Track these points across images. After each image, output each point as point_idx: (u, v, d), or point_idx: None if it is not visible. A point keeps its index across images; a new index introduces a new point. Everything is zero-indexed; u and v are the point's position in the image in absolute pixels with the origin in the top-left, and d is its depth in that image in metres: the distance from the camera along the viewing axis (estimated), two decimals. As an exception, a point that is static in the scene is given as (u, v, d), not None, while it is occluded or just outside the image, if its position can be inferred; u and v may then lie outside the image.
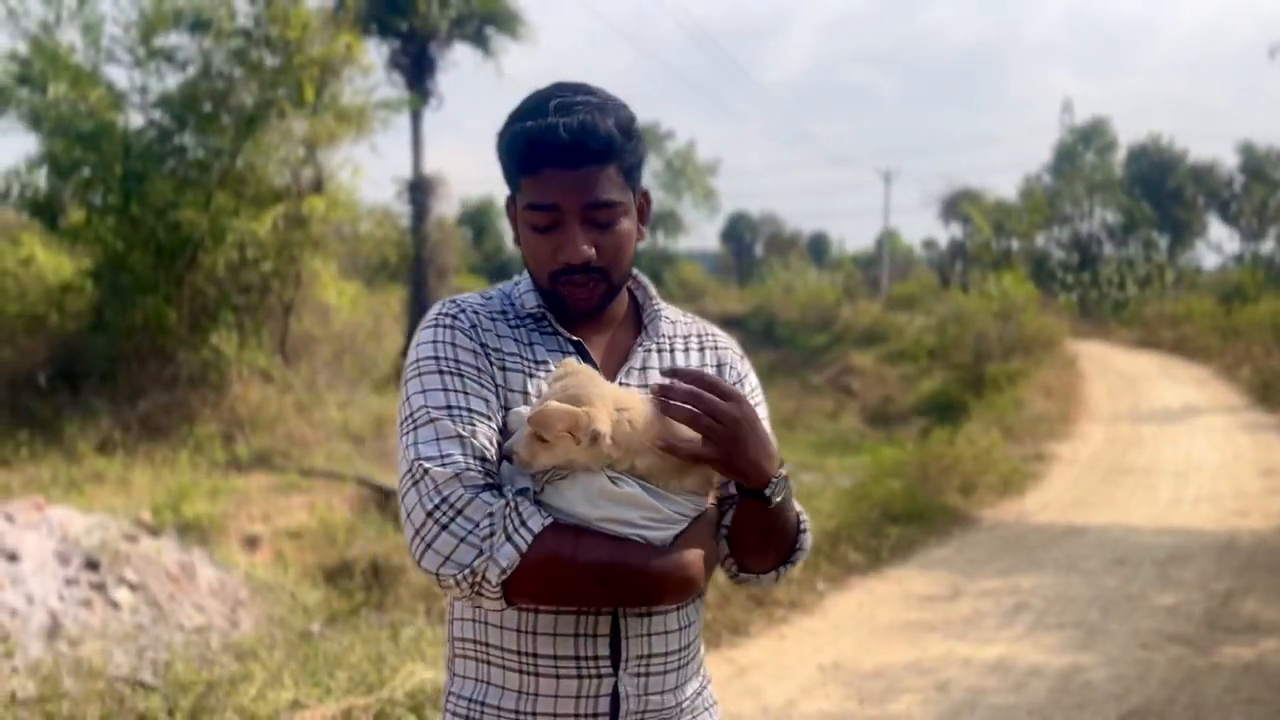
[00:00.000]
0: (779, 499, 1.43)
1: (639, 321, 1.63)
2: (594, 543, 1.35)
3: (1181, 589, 6.48)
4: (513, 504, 1.34)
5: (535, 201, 1.49)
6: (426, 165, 18.94)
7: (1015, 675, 5.05)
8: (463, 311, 1.51)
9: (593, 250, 1.48)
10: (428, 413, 1.40)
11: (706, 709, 1.59)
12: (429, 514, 1.34)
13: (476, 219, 40.47)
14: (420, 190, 18.69)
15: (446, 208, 20.03)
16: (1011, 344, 17.28)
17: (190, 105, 11.93)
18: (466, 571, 1.33)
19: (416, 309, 18.03)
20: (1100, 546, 7.64)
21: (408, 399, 1.44)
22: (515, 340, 1.52)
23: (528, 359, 1.51)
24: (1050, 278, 31.01)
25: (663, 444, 1.36)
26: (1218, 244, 55.13)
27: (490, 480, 1.37)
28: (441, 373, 1.44)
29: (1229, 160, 41.70)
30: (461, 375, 1.44)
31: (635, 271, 1.63)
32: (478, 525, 1.33)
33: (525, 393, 1.46)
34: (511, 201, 1.57)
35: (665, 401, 1.36)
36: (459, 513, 1.33)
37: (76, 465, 9.21)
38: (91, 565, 5.53)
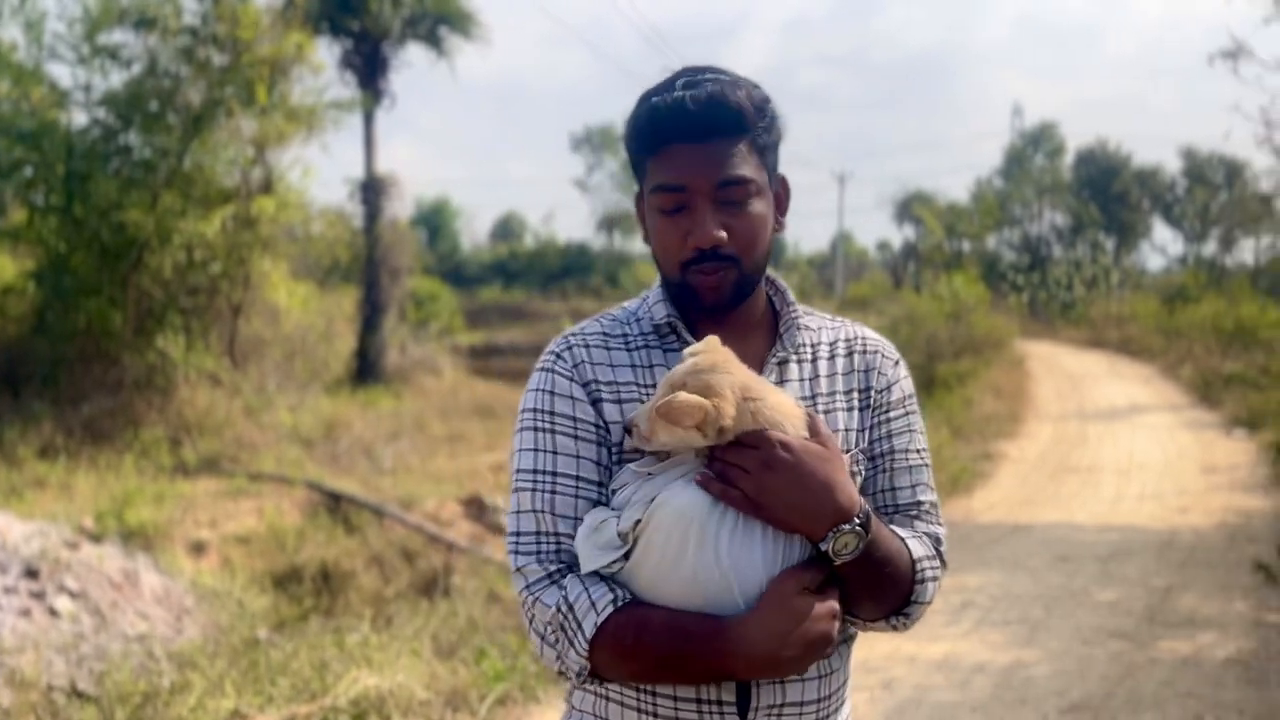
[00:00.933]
0: (845, 555, 1.30)
1: (776, 330, 1.51)
2: (654, 630, 1.28)
3: (1123, 585, 6.61)
4: (566, 606, 1.30)
5: (662, 182, 1.40)
6: (379, 166, 18.79)
7: (960, 672, 5.12)
8: (570, 349, 1.43)
9: (724, 233, 1.38)
10: (517, 480, 1.39)
11: None
12: (522, 605, 1.36)
13: (430, 220, 40.24)
14: (373, 191, 18.53)
15: (400, 208, 19.87)
16: (962, 344, 17.51)
17: (136, 104, 11.75)
18: (558, 671, 1.35)
19: (369, 310, 17.88)
20: (1045, 544, 7.76)
21: (513, 456, 1.42)
22: (633, 367, 1.43)
23: (646, 385, 1.41)
24: (1000, 279, 31.46)
25: (715, 467, 1.30)
26: (1162, 246, 56.34)
27: (558, 565, 1.34)
28: (536, 429, 1.39)
29: (1172, 164, 42.60)
30: (554, 432, 1.38)
31: (773, 275, 1.54)
32: (546, 631, 1.32)
33: None
34: (639, 198, 1.50)
35: (717, 485, 1.28)
36: (534, 614, 1.34)
37: (17, 471, 9.02)
38: (31, 573, 5.42)
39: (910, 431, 1.52)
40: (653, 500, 1.30)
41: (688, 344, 1.42)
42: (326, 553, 7.57)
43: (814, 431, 1.32)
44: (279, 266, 13.18)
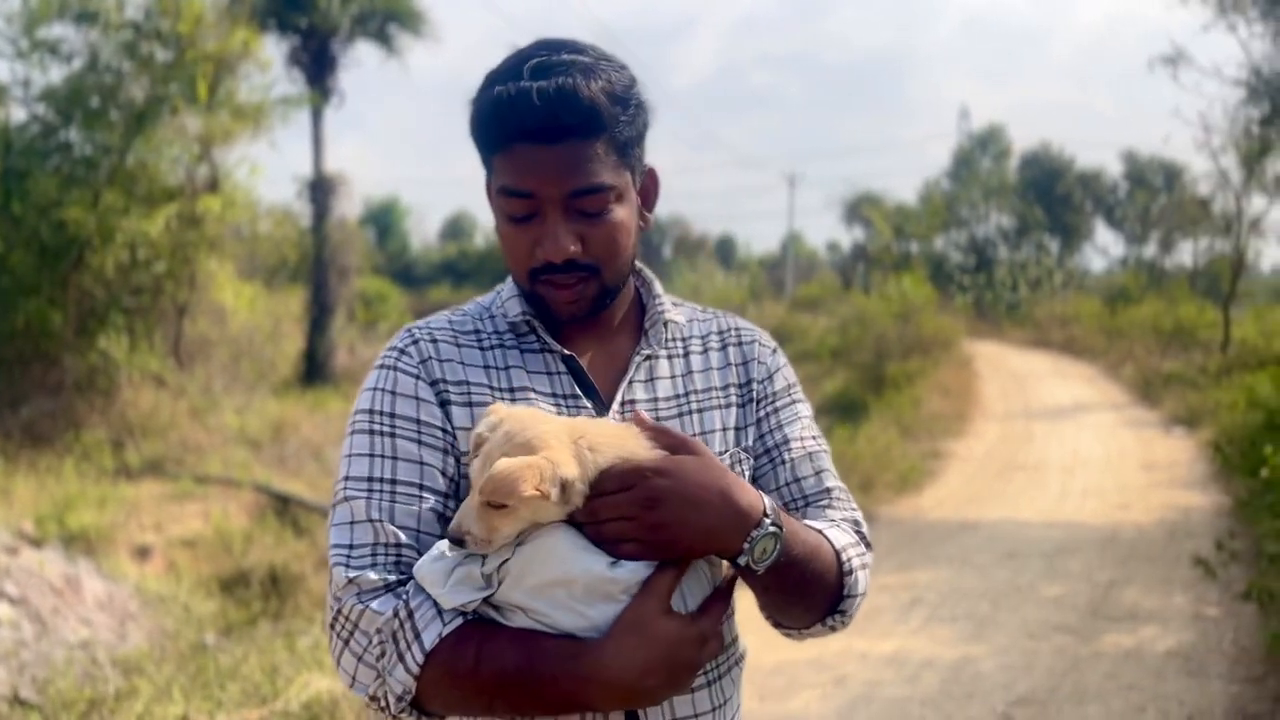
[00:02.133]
0: (766, 561, 1.16)
1: (643, 325, 1.38)
2: (499, 648, 1.12)
3: (1067, 580, 6.73)
4: (405, 613, 1.13)
5: (508, 185, 1.24)
6: (328, 164, 18.56)
7: (910, 668, 5.19)
8: (415, 343, 1.29)
9: (577, 245, 1.24)
10: (346, 489, 1.22)
11: None
12: (330, 626, 1.18)
13: (380, 219, 39.86)
14: (321, 189, 18.31)
15: (348, 207, 19.66)
16: (910, 344, 17.71)
17: (76, 100, 11.51)
18: (368, 697, 1.17)
19: (317, 310, 17.67)
20: (992, 541, 7.88)
21: (341, 461, 1.26)
22: (486, 367, 1.29)
23: (500, 388, 1.28)
24: (948, 279, 31.87)
25: (593, 534, 1.12)
26: (1104, 248, 57.51)
27: (398, 576, 1.17)
28: (372, 433, 1.24)
29: (1114, 167, 43.51)
30: (394, 435, 1.23)
31: (639, 266, 1.40)
32: (371, 643, 1.15)
33: None
34: (488, 188, 1.33)
35: (596, 522, 1.12)
36: (355, 627, 1.15)
37: (-47, 475, 8.79)
38: (-32, 580, 5.28)
39: (800, 419, 1.42)
40: (518, 543, 1.13)
41: (547, 344, 1.32)
42: (275, 556, 7.46)
43: (671, 443, 1.16)
44: (225, 266, 12.98)
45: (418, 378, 1.26)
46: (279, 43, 18.14)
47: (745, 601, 1.31)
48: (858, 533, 1.38)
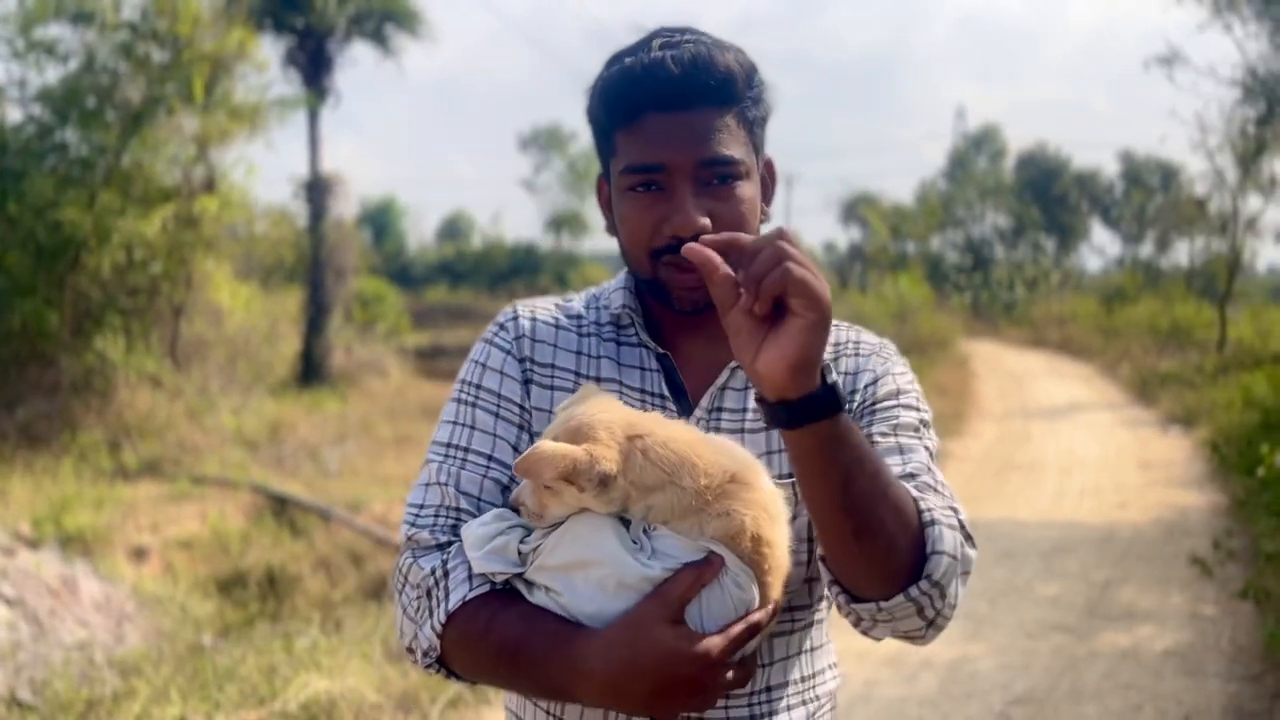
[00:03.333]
0: (821, 420, 1.00)
1: None
2: (508, 619, 1.11)
3: (1064, 579, 6.74)
4: (441, 572, 1.15)
5: (635, 162, 1.20)
6: (324, 164, 18.57)
7: (907, 667, 5.19)
8: (515, 319, 1.31)
9: (707, 219, 1.18)
10: (431, 451, 1.26)
11: None
12: (393, 579, 1.22)
13: (377, 219, 39.84)
14: (318, 190, 18.30)
15: (345, 208, 19.66)
16: (907, 344, 17.69)
17: (72, 100, 11.48)
18: (407, 649, 1.19)
19: (314, 311, 17.66)
20: (990, 540, 7.88)
21: (435, 427, 1.30)
22: (579, 354, 1.28)
23: (588, 375, 1.27)
24: (944, 279, 31.92)
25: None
26: (1100, 247, 57.53)
27: (450, 537, 1.19)
28: (459, 401, 1.27)
29: (1110, 167, 43.60)
30: (475, 405, 1.26)
31: None
32: (413, 598, 1.17)
33: None
34: (603, 181, 1.30)
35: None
36: (406, 580, 1.19)
37: (-50, 476, 8.78)
38: (-35, 581, 5.28)
39: (898, 419, 1.27)
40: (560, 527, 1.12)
41: (643, 341, 1.29)
42: (272, 556, 7.46)
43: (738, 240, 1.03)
44: (222, 267, 12.97)
45: (508, 353, 1.28)
46: (275, 43, 18.15)
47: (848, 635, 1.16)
48: (959, 522, 1.15)
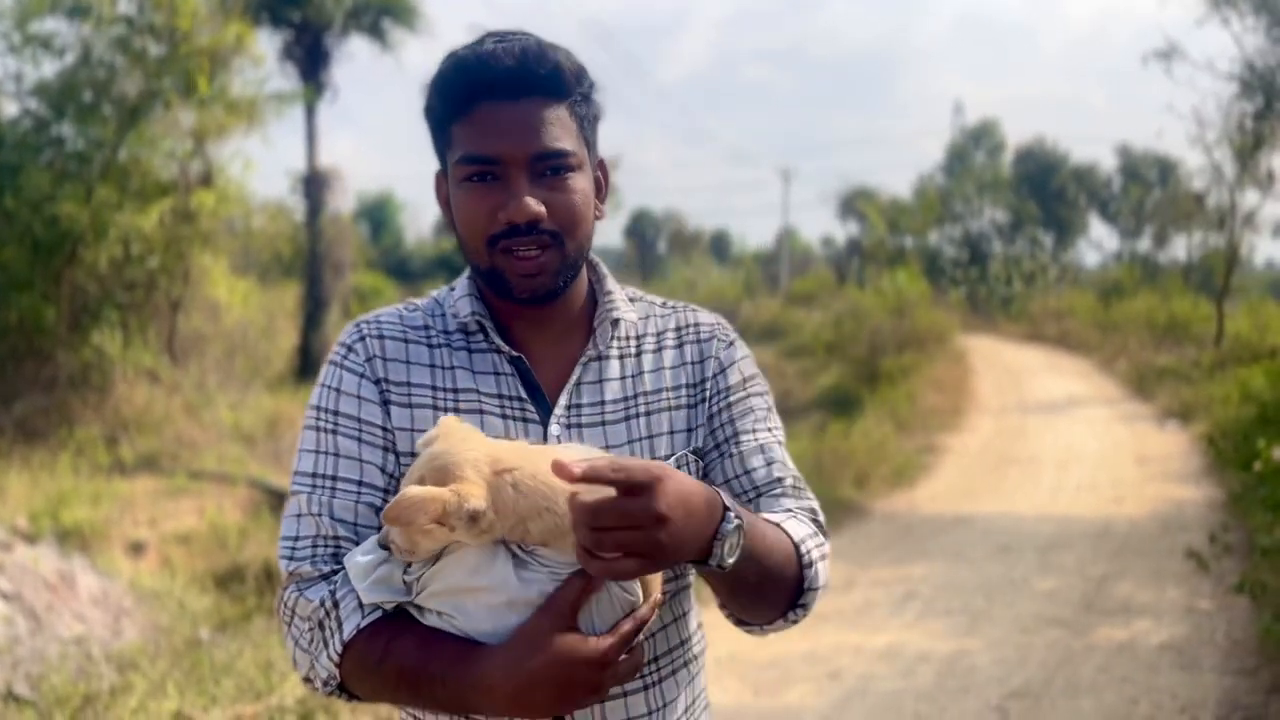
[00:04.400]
0: (733, 557, 1.11)
1: (592, 326, 1.34)
2: (404, 645, 1.14)
3: (1061, 574, 6.75)
4: (330, 604, 1.17)
5: (470, 152, 1.23)
6: (321, 159, 18.52)
7: (904, 661, 5.20)
8: (363, 340, 1.29)
9: (543, 207, 1.22)
10: (294, 483, 1.27)
11: None
12: (279, 612, 1.24)
13: (374, 214, 39.78)
14: (315, 184, 18.27)
15: (342, 202, 19.67)
16: (905, 339, 17.73)
17: (69, 94, 11.47)
18: (304, 679, 1.23)
19: (311, 305, 17.64)
20: (986, 535, 7.90)
21: (295, 456, 1.31)
22: (432, 366, 1.28)
23: (444, 388, 1.27)
24: (942, 274, 31.91)
25: (590, 541, 1.03)
26: (1098, 242, 57.59)
27: (334, 567, 1.21)
28: (318, 429, 1.27)
29: (1108, 162, 43.58)
30: (335, 432, 1.26)
31: (594, 259, 1.37)
32: (304, 631, 1.19)
33: None
34: (441, 177, 1.32)
35: (593, 549, 1.03)
36: (294, 614, 1.21)
37: (-53, 471, 8.77)
38: (-38, 576, 5.27)
39: (753, 411, 1.37)
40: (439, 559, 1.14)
41: (495, 346, 1.29)
42: (270, 551, 7.45)
43: (618, 472, 1.02)
44: (219, 261, 12.97)
45: (362, 376, 1.27)
46: (272, 37, 18.10)
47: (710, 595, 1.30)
48: (815, 522, 1.33)
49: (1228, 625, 5.62)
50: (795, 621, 1.31)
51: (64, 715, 3.95)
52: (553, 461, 1.03)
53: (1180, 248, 37.14)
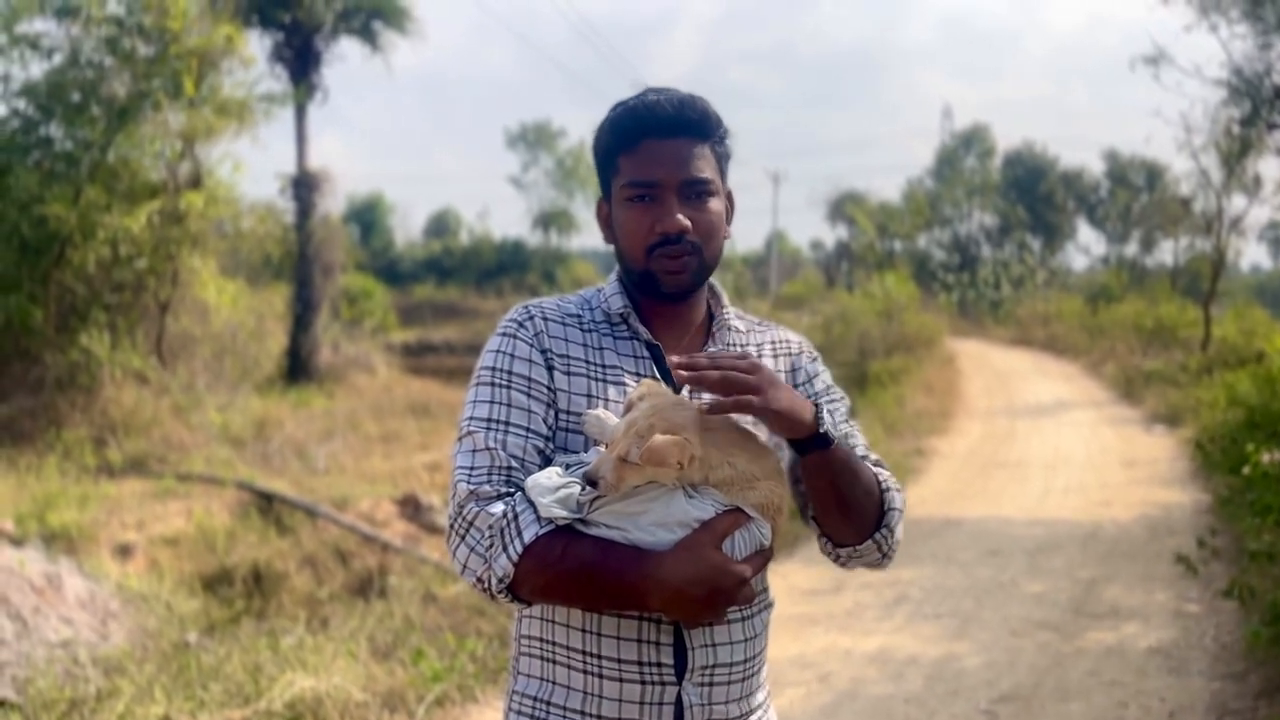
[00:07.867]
0: (835, 435, 1.44)
1: (710, 331, 1.66)
2: (583, 546, 1.39)
3: (1050, 577, 6.77)
4: (512, 515, 1.40)
5: (634, 179, 1.55)
6: (311, 160, 18.49)
7: (894, 665, 5.21)
8: (531, 318, 1.57)
9: (689, 222, 1.53)
10: (470, 425, 1.49)
11: None
12: (451, 526, 1.45)
13: (364, 216, 39.67)
14: (304, 186, 18.22)
15: (332, 204, 19.55)
16: (894, 342, 17.78)
17: (57, 95, 11.43)
18: (475, 580, 1.43)
19: (300, 307, 17.59)
20: (975, 538, 7.92)
21: (464, 408, 1.53)
22: (584, 346, 1.57)
23: (595, 364, 1.56)
24: (931, 278, 32.01)
25: (712, 403, 1.40)
26: (1086, 246, 57.75)
27: (508, 489, 1.44)
28: (493, 384, 1.52)
29: (1095, 166, 43.66)
30: (509, 387, 1.51)
31: (713, 281, 1.67)
32: (483, 537, 1.41)
33: (589, 395, 1.52)
34: (604, 201, 1.64)
35: (696, 378, 1.39)
36: (471, 525, 1.42)
37: (-68, 473, 8.72)
38: (-53, 579, 5.24)
39: (837, 411, 1.65)
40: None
41: (637, 334, 1.59)
42: (258, 554, 7.44)
43: (739, 359, 1.43)
44: (208, 263, 12.92)
45: (532, 345, 1.54)
46: (262, 38, 18.07)
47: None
48: (896, 484, 1.61)
49: (1216, 629, 5.64)
50: (882, 551, 1.58)
51: (51, 719, 3.93)
52: (673, 361, 1.45)
53: (1167, 252, 37.35)
